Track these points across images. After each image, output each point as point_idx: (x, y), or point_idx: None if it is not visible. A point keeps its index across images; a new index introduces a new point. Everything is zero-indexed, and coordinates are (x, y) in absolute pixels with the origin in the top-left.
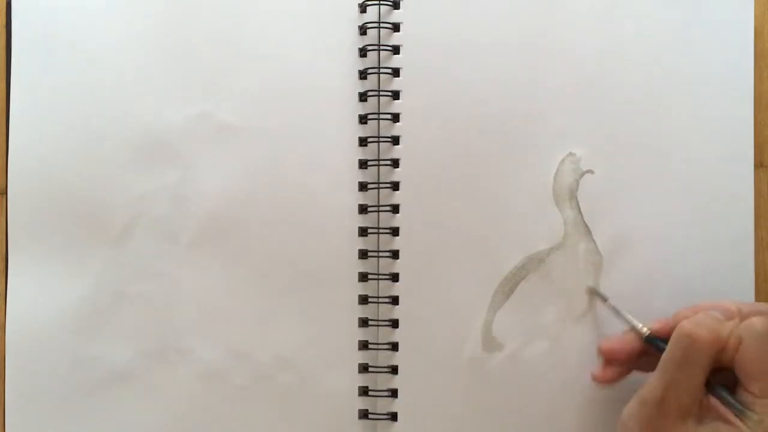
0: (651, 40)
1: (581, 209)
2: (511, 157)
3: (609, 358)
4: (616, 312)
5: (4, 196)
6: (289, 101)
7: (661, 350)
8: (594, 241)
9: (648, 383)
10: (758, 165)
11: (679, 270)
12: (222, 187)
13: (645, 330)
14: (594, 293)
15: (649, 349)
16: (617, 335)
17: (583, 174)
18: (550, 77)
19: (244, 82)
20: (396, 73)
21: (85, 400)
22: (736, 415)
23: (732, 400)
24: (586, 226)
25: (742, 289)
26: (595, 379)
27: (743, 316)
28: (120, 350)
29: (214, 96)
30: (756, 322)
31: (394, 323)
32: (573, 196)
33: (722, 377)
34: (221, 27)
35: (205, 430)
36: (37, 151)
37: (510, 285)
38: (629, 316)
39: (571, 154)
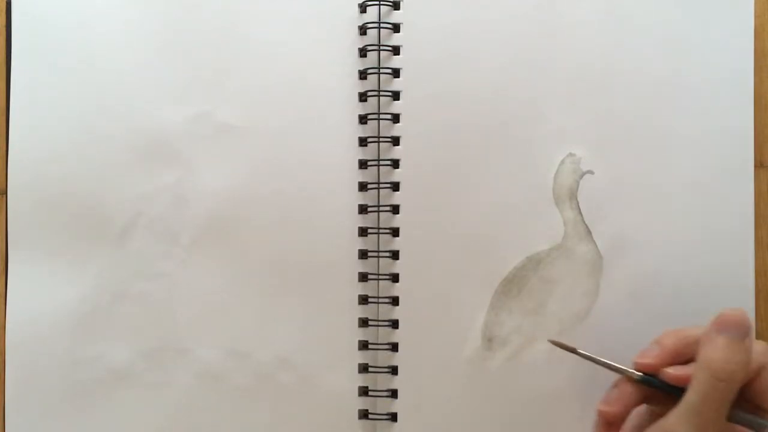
0: (651, 40)
1: (581, 209)
2: (511, 157)
3: (610, 420)
4: (592, 359)
5: (4, 196)
6: (289, 101)
7: (661, 387)
8: (594, 241)
9: (671, 419)
10: (758, 165)
11: (680, 270)
12: (222, 187)
13: (636, 373)
14: (561, 346)
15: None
16: (612, 391)
17: (583, 174)
18: (550, 77)
19: (244, 82)
20: (396, 73)
21: (85, 400)
22: None
23: (761, 421)
24: (586, 226)
25: (742, 289)
26: None
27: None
28: (120, 350)
29: (214, 96)
30: None
31: (394, 323)
32: (573, 196)
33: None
34: (221, 27)
35: (205, 430)
36: (37, 151)
37: (510, 285)
38: (611, 363)
39: (571, 154)
